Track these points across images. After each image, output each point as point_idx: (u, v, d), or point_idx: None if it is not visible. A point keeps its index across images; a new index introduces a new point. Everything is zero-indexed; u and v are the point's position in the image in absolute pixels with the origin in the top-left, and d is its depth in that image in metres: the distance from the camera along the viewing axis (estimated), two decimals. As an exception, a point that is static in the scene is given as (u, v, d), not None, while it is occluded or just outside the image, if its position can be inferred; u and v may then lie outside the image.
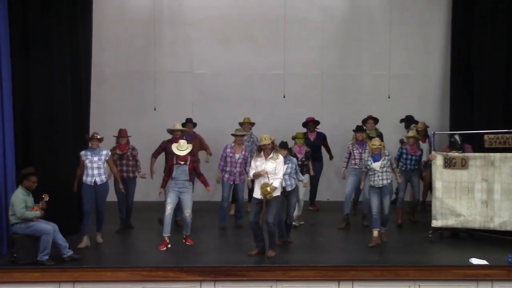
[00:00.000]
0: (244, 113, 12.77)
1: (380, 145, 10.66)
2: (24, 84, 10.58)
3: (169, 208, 10.39)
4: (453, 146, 11.09)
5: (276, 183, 9.68)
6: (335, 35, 14.09)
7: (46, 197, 9.61)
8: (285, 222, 10.69)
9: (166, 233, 10.37)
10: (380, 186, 10.66)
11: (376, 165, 10.64)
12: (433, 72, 14.09)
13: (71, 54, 11.24)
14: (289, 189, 10.48)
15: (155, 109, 13.17)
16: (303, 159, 11.76)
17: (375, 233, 10.54)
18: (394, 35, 13.98)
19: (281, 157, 9.83)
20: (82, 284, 9.25)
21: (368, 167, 10.73)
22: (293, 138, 11.91)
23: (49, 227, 9.51)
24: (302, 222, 11.96)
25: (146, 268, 9.35)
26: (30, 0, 10.64)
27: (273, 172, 9.67)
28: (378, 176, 10.65)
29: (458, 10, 13.31)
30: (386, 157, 10.66)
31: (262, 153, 9.77)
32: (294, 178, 10.59)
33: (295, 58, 13.97)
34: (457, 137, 11.09)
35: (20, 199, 9.49)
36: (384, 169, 10.64)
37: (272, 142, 9.77)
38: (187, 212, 10.44)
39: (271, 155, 9.73)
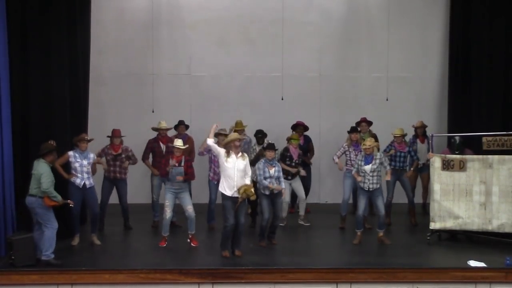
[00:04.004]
0: (242, 115, 12.73)
1: (371, 145, 10.65)
2: (22, 86, 10.59)
3: (168, 212, 10.59)
4: (452, 147, 11.12)
5: (248, 181, 10.03)
6: (333, 37, 14.07)
7: (71, 203, 9.77)
8: (272, 223, 10.77)
9: (166, 233, 10.62)
10: (370, 189, 10.69)
11: (367, 168, 10.64)
12: (432, 74, 14.08)
13: (70, 56, 11.25)
14: (275, 191, 10.59)
15: (153, 111, 13.14)
16: (297, 162, 11.77)
17: (359, 232, 10.80)
18: (393, 37, 13.98)
19: (247, 157, 10.21)
20: (80, 286, 9.26)
21: (359, 167, 10.73)
22: (288, 139, 11.92)
23: (56, 223, 9.46)
24: (308, 224, 12.05)
25: (144, 270, 9.35)
26: (29, 1, 10.64)
27: (243, 170, 10.00)
28: (368, 179, 10.67)
29: (456, 12, 13.33)
30: (377, 160, 10.66)
31: (231, 152, 10.00)
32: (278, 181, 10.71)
33: (293, 60, 13.96)
34: (457, 138, 11.12)
35: (49, 171, 9.42)
36: (375, 173, 10.64)
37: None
38: (189, 208, 10.61)
39: (240, 154, 10.05)
